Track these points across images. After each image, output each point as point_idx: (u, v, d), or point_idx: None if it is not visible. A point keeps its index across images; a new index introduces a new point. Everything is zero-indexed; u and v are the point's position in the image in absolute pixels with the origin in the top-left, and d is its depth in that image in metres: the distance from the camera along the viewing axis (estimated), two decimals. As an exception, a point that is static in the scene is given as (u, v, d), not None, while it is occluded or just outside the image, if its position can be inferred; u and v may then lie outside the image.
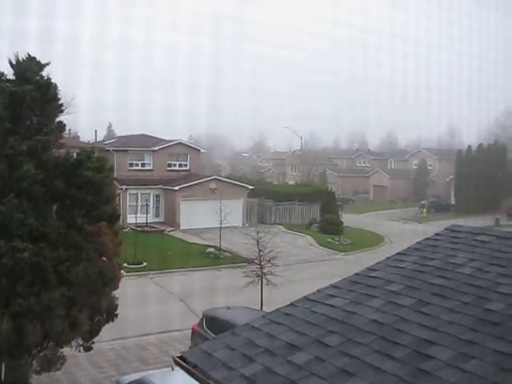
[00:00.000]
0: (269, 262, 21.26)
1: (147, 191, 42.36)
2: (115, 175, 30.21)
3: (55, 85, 12.65)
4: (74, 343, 12.51)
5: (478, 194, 55.71)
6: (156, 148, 44.31)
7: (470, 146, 61.83)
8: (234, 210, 38.06)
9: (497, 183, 56.94)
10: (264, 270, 20.99)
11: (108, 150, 41.05)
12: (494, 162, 57.80)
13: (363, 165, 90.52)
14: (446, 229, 8.06)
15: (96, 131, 58.16)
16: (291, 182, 68.96)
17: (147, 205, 40.11)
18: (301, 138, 78.74)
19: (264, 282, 20.75)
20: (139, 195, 41.81)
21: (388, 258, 7.54)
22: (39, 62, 12.59)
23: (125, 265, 24.38)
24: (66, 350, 12.61)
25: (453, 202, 62.45)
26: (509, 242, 6.97)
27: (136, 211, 39.24)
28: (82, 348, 12.79)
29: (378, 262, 7.45)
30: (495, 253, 6.74)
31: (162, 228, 40.23)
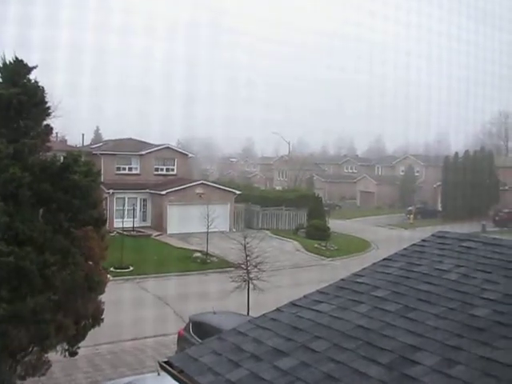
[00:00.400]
0: (256, 267, 21.24)
1: (134, 195, 42.23)
2: (102, 179, 30.21)
3: (42, 88, 12.60)
4: (59, 348, 12.43)
5: (464, 200, 56.02)
6: (143, 152, 44.21)
7: (456, 153, 62.19)
8: (221, 215, 38.06)
9: (483, 190, 57.30)
10: (251, 275, 20.97)
11: (95, 154, 40.92)
12: (481, 168, 58.20)
13: (350, 171, 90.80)
14: (433, 235, 8.11)
15: (83, 135, 57.97)
16: (278, 188, 69.06)
17: (134, 209, 40.00)
18: (288, 143, 79.00)
19: (251, 287, 20.74)
20: (126, 199, 41.67)
21: (374, 263, 7.57)
22: (26, 65, 12.54)
23: (111, 269, 24.26)
24: (50, 355, 12.52)
25: (439, 209, 62.75)
26: (495, 249, 7.02)
27: (123, 215, 39.11)
28: (67, 353, 12.71)
29: (365, 268, 7.47)
30: (481, 259, 6.78)
31: (149, 232, 40.09)
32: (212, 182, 50.08)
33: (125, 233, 34.84)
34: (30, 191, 11.66)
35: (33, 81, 12.50)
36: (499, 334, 5.07)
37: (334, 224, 46.82)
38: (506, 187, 61.73)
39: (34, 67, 12.61)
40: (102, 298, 13.12)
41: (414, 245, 7.87)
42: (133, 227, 38.55)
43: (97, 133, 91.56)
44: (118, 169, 43.40)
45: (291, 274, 30.02)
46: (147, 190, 42.59)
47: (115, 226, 38.41)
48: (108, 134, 74.98)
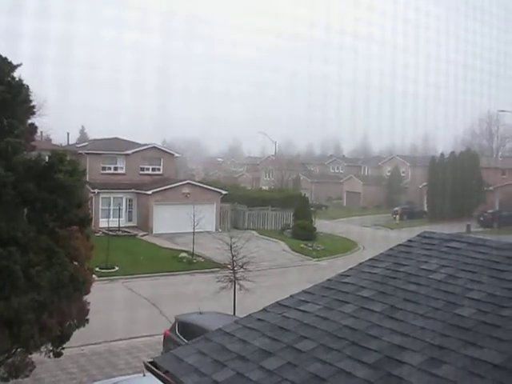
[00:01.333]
0: (242, 267, 21.23)
1: (120, 195, 42.02)
2: (87, 179, 30.06)
3: (27, 86, 12.49)
4: (43, 349, 12.33)
5: (450, 200, 56.34)
6: (129, 152, 44.00)
7: (442, 154, 62.52)
8: (207, 215, 37.97)
9: (468, 190, 57.70)
10: (237, 275, 20.96)
11: (80, 153, 40.69)
12: (466, 169, 58.59)
13: (337, 171, 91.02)
14: (419, 235, 8.14)
15: (68, 134, 57.69)
16: (265, 188, 69.05)
17: (120, 209, 39.78)
18: (275, 143, 79.00)
19: (237, 287, 20.72)
20: (112, 199, 41.46)
21: (360, 263, 7.58)
22: (11, 62, 12.42)
23: (96, 269, 24.11)
24: (34, 356, 12.42)
25: (425, 209, 63.06)
26: (479, 249, 7.06)
27: (108, 215, 38.96)
28: (51, 354, 12.61)
29: (351, 268, 7.48)
30: (466, 259, 6.82)
31: (135, 232, 39.94)
32: (198, 181, 49.98)
33: (110, 233, 34.68)
34: (14, 191, 11.55)
35: (17, 79, 12.38)
36: (484, 334, 5.10)
37: (321, 224, 46.89)
38: (491, 188, 62.17)
39: (19, 65, 12.49)
40: (87, 298, 13.04)
41: (399, 245, 7.89)
42: (118, 227, 38.37)
43: (82, 132, 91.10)
44: (104, 168, 43.16)
45: (277, 274, 30.04)
46: (133, 190, 42.40)
47: (101, 225, 38.22)
48: (94, 134, 74.69)
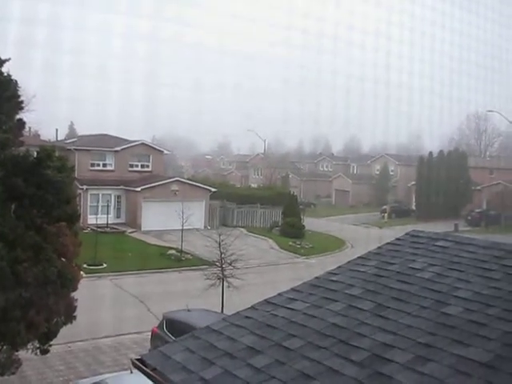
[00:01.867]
0: (230, 264, 21.22)
1: (108, 192, 41.86)
2: (76, 175, 29.87)
3: (15, 82, 12.40)
4: (30, 346, 12.25)
5: (438, 199, 56.69)
6: (118, 148, 43.83)
7: (431, 153, 62.75)
8: (195, 212, 37.92)
9: (457, 189, 58.06)
10: (225, 273, 20.95)
11: (69, 149, 40.48)
12: (455, 168, 58.93)
13: (326, 169, 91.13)
14: (407, 234, 8.17)
15: (57, 130, 57.24)
16: (254, 185, 69.00)
17: (108, 205, 39.63)
18: (264, 141, 78.94)
19: (225, 284, 20.71)
20: (100, 196, 41.30)
21: (349, 262, 7.60)
22: (-1, 58, 12.34)
23: (84, 266, 24.03)
24: (21, 353, 12.34)
25: (414, 208, 63.34)
26: (467, 248, 7.09)
27: (97, 212, 38.78)
28: (38, 351, 12.54)
29: (339, 266, 7.50)
30: (454, 258, 6.85)
31: (123, 229, 39.82)
32: (187, 179, 49.91)
33: (99, 229, 34.51)
34: (2, 186, 11.48)
35: (5, 74, 12.29)
36: (471, 332, 5.12)
37: (309, 222, 46.97)
38: (479, 187, 62.56)
39: (7, 60, 12.40)
40: (75, 295, 12.98)
41: (388, 243, 7.92)
42: (107, 224, 38.22)
43: (71, 128, 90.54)
44: (93, 165, 42.98)
45: (265, 272, 30.06)
46: (122, 187, 42.27)
47: (89, 222, 38.07)
48: (82, 129, 74.30)
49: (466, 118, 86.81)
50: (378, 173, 78.23)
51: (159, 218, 38.91)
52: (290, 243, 39.32)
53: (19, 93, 12.58)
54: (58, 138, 55.38)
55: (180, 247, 33.07)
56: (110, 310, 21.32)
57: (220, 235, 21.76)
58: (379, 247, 7.83)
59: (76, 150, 41.92)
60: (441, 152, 62.97)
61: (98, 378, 13.24)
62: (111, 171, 43.54)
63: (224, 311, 18.53)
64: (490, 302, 5.59)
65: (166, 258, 32.06)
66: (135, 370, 6.50)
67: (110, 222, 39.14)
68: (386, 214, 60.30)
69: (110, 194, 41.94)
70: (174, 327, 15.34)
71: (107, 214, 38.62)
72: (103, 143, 44.52)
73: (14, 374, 12.32)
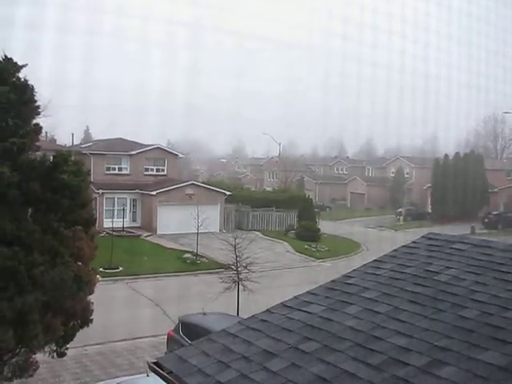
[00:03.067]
0: (245, 267, 21.23)
1: (124, 196, 42.08)
2: (92, 179, 30.04)
3: (32, 87, 12.50)
4: (47, 349, 12.34)
5: (454, 202, 56.31)
6: (133, 152, 44.06)
7: (446, 155, 62.36)
8: (211, 216, 37.94)
9: (473, 192, 57.62)
10: (240, 276, 20.96)
11: (85, 154, 40.70)
12: (471, 170, 58.47)
13: (341, 172, 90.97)
14: (423, 237, 8.12)
15: (73, 134, 57.76)
16: (269, 189, 69.04)
17: (124, 209, 39.82)
18: (279, 144, 78.88)
19: (241, 288, 20.72)
20: (116, 200, 41.52)
21: (365, 265, 7.57)
22: (16, 63, 12.43)
23: (100, 269, 24.16)
24: (38, 356, 12.43)
25: (429, 210, 62.96)
26: (484, 250, 7.04)
27: (112, 216, 38.96)
28: (55, 354, 12.62)
29: (355, 269, 7.47)
30: (471, 261, 6.80)
31: (139, 233, 39.97)
32: (202, 182, 50.00)
33: (114, 233, 34.70)
34: (19, 191, 11.57)
35: (22, 79, 12.40)
36: (488, 336, 5.08)
37: (324, 225, 46.86)
38: (495, 189, 62.08)
39: (24, 65, 12.51)
40: (91, 298, 13.06)
41: (404, 246, 7.88)
42: (123, 227, 38.42)
43: (87, 132, 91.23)
44: (108, 169, 43.22)
45: (281, 275, 30.02)
46: (137, 191, 42.46)
47: (105, 226, 38.23)
48: (98, 134, 74.73)
49: (483, 120, 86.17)
50: (393, 175, 77.89)
51: (175, 222, 39.02)
52: (306, 246, 39.26)
53: (35, 98, 12.68)
54: (74, 143, 55.85)
55: (195, 251, 33.15)
56: (126, 313, 21.40)
57: (235, 238, 21.78)
58: (395, 250, 7.80)
59: (91, 154, 42.18)
60: (457, 154, 62.56)
61: (114, 381, 13.29)
62: (127, 175, 43.76)
63: (239, 314, 18.53)
64: (507, 305, 5.54)
65: (182, 262, 32.14)
66: (152, 373, 6.52)
67: (125, 225, 39.31)
68: (401, 217, 60.02)
69: (126, 198, 42.14)
70: (190, 330, 15.37)
71: (123, 217, 38.80)
72: (118, 147, 44.77)
73: (31, 376, 12.41)
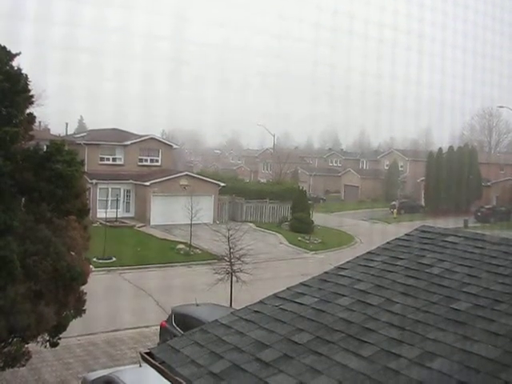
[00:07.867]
0: (239, 259, 21.25)
1: (118, 186, 42.00)
2: (86, 169, 29.95)
3: (26, 76, 12.41)
4: (40, 338, 12.33)
5: (447, 195, 56.44)
6: (128, 143, 43.95)
7: (440, 148, 62.41)
8: (205, 207, 37.92)
9: (466, 185, 57.70)
10: (234, 268, 20.98)
11: (79, 144, 40.62)
12: (464, 164, 58.55)
13: (335, 164, 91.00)
14: (416, 229, 8.15)
15: (67, 124, 57.45)
16: (263, 180, 69.09)
17: (117, 200, 39.77)
18: (273, 136, 78.78)
19: (234, 279, 20.74)
20: (110, 190, 41.44)
21: (357, 257, 7.59)
22: (9, 51, 12.33)
23: (94, 260, 24.15)
24: (31, 346, 12.42)
25: (423, 204, 63.10)
26: (476, 244, 7.07)
27: (106, 206, 38.88)
28: (48, 344, 12.62)
29: (348, 261, 7.49)
30: (463, 254, 6.83)
31: (132, 223, 39.94)
32: (196, 173, 49.93)
33: (108, 223, 34.64)
34: (12, 180, 11.52)
35: (16, 68, 12.32)
36: (479, 328, 5.11)
37: (318, 217, 46.84)
38: (489, 183, 62.23)
39: (18, 54, 12.41)
40: (84, 288, 13.04)
41: (397, 239, 7.90)
42: (116, 218, 38.38)
43: (81, 122, 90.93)
44: (102, 159, 43.11)
45: (274, 267, 30.06)
46: (131, 181, 42.39)
47: (98, 216, 38.14)
48: (92, 124, 74.35)
49: (477, 114, 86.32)
50: (387, 168, 77.94)
51: (168, 213, 38.99)
52: (299, 238, 39.31)
53: (29, 87, 12.60)
54: (68, 133, 55.60)
55: (189, 242, 33.14)
56: (119, 303, 21.36)
57: (229, 230, 21.80)
58: (388, 242, 7.82)
59: (86, 144, 42.06)
60: (450, 148, 62.64)
61: (106, 372, 13.30)
62: (121, 165, 43.67)
63: (232, 305, 18.56)
64: (498, 298, 5.57)
65: (175, 253, 32.15)
66: (144, 364, 6.53)
67: (119, 216, 39.29)
68: (395, 210, 60.10)
69: (120, 189, 42.06)
70: (183, 321, 15.39)
71: (116, 208, 38.77)
72: (113, 137, 44.64)
73: (23, 366, 12.41)
